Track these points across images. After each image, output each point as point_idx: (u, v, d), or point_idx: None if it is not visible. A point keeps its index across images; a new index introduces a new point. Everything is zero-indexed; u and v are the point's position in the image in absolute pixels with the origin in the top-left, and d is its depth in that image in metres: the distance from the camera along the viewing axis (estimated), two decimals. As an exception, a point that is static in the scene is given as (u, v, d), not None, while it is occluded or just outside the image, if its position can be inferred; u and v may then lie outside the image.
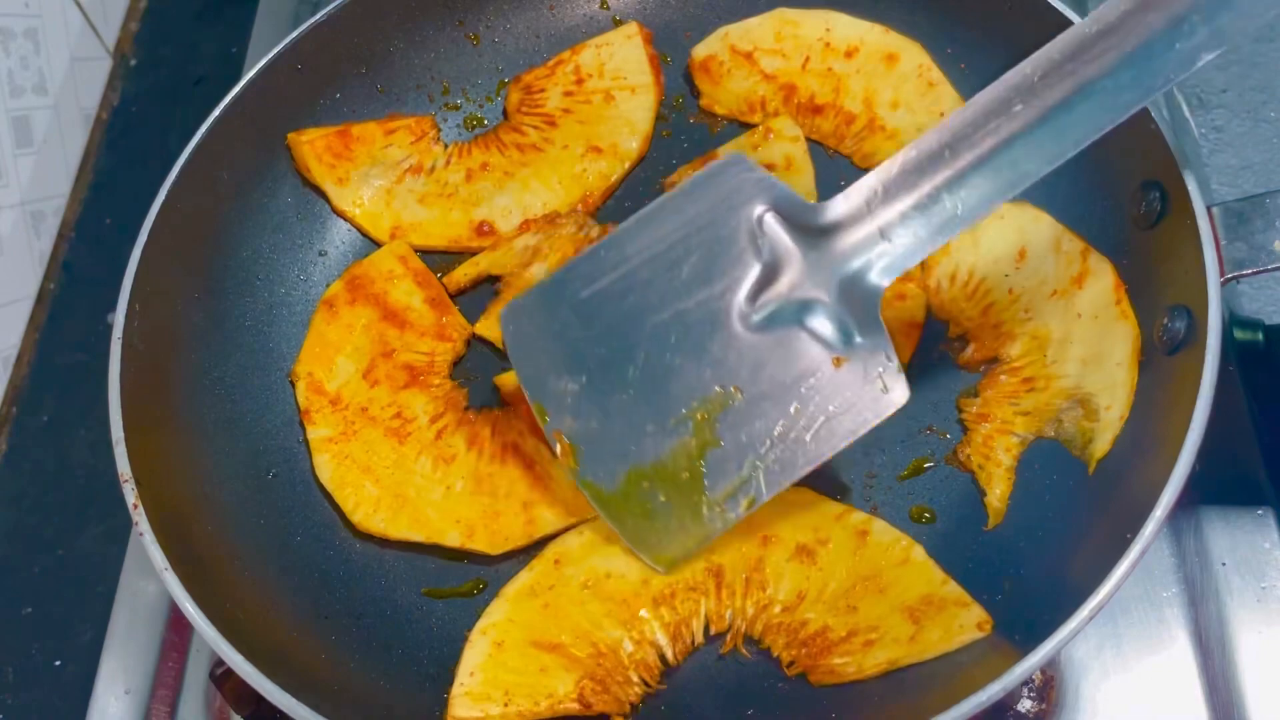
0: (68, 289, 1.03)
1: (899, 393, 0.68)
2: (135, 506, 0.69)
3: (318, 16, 0.87)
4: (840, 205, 0.69)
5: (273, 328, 0.86)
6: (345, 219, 0.90)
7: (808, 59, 0.89)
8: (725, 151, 0.71)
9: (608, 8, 0.97)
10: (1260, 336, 0.85)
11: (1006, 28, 0.85)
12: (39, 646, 0.86)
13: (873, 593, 0.70)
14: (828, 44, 0.89)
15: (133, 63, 1.16)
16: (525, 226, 0.88)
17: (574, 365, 0.72)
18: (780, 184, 0.70)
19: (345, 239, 0.91)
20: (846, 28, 0.89)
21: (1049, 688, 0.73)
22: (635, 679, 0.70)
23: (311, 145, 0.88)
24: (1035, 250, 0.78)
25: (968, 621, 0.67)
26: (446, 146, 0.93)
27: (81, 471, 0.93)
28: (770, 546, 0.72)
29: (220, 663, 0.72)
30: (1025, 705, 0.73)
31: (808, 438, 0.69)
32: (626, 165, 0.90)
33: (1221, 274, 0.68)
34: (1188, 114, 0.97)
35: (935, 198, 0.67)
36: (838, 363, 0.69)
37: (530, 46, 0.97)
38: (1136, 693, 0.72)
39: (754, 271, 0.70)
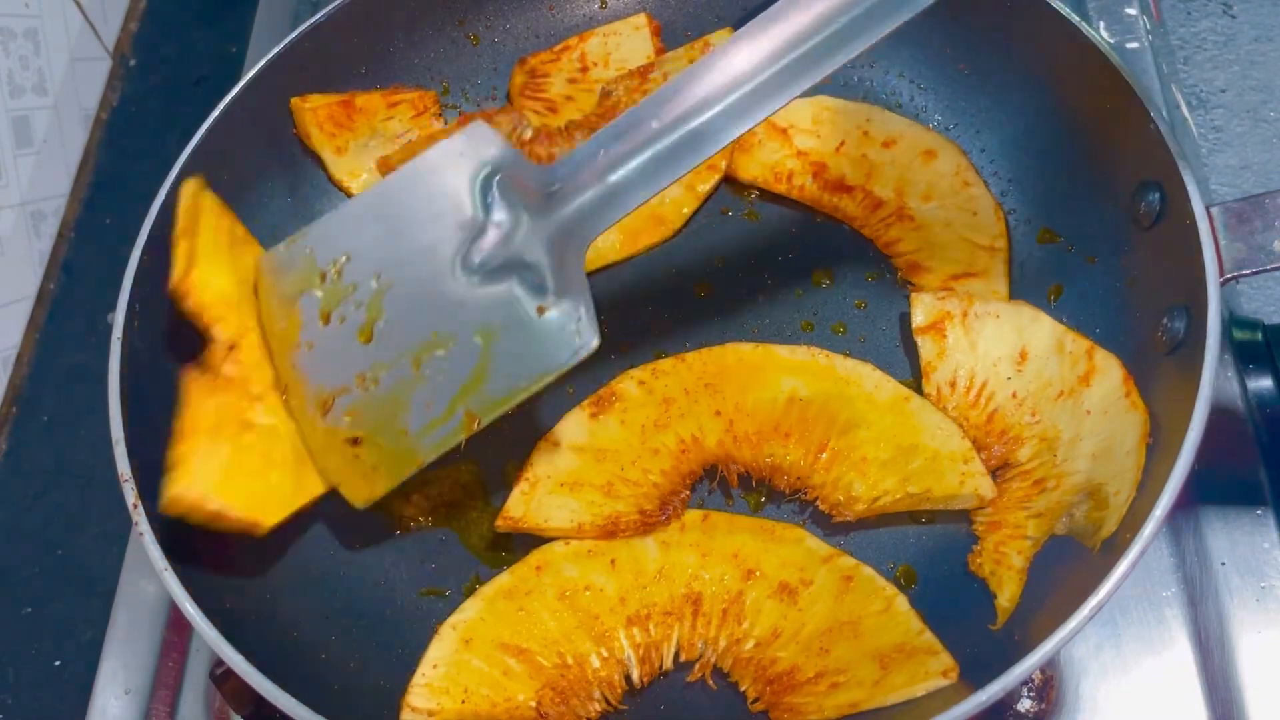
0: (68, 289, 1.02)
1: (590, 339, 0.71)
2: (135, 506, 0.69)
3: (318, 16, 0.87)
4: (560, 169, 0.73)
5: (272, 328, 0.86)
6: (340, 190, 0.90)
7: (843, 143, 0.89)
8: (472, 122, 0.76)
9: (606, 7, 0.97)
10: (1259, 336, 0.85)
11: (1006, 28, 0.85)
12: (39, 646, 0.86)
13: (848, 637, 0.69)
14: (866, 133, 0.89)
15: (133, 63, 1.16)
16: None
17: (311, 312, 0.76)
18: (513, 151, 0.74)
19: (345, 239, 0.91)
20: (887, 121, 0.89)
21: (1049, 687, 0.73)
22: (597, 696, 0.70)
23: (314, 112, 0.88)
24: (1037, 351, 0.77)
25: (934, 668, 0.67)
26: (447, 124, 0.93)
27: (81, 471, 0.93)
28: (753, 581, 0.72)
29: (220, 663, 0.72)
30: (1025, 705, 0.73)
31: (506, 380, 0.72)
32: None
33: (1221, 274, 0.68)
34: (1187, 114, 0.97)
35: (638, 161, 0.71)
36: (540, 311, 0.72)
37: (530, 47, 0.97)
38: (1136, 692, 0.72)
39: (478, 231, 0.74)
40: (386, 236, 0.75)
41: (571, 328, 0.72)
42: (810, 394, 0.77)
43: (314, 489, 0.75)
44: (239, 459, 0.73)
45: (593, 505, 0.75)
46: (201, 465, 0.71)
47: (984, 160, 0.88)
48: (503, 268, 0.73)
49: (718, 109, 0.69)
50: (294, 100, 0.88)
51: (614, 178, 0.72)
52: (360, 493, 0.74)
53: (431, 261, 0.74)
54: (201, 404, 0.74)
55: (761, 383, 0.78)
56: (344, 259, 0.76)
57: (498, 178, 0.74)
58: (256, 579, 0.75)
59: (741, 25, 0.93)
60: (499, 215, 0.74)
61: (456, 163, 0.75)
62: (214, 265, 0.78)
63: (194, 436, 0.72)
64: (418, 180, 0.76)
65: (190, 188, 0.79)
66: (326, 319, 0.76)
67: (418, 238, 0.75)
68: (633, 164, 0.71)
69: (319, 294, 0.76)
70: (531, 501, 0.75)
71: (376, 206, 0.76)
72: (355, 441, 0.74)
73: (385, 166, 0.90)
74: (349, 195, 0.91)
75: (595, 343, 0.71)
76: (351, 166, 0.90)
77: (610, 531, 0.74)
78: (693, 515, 0.75)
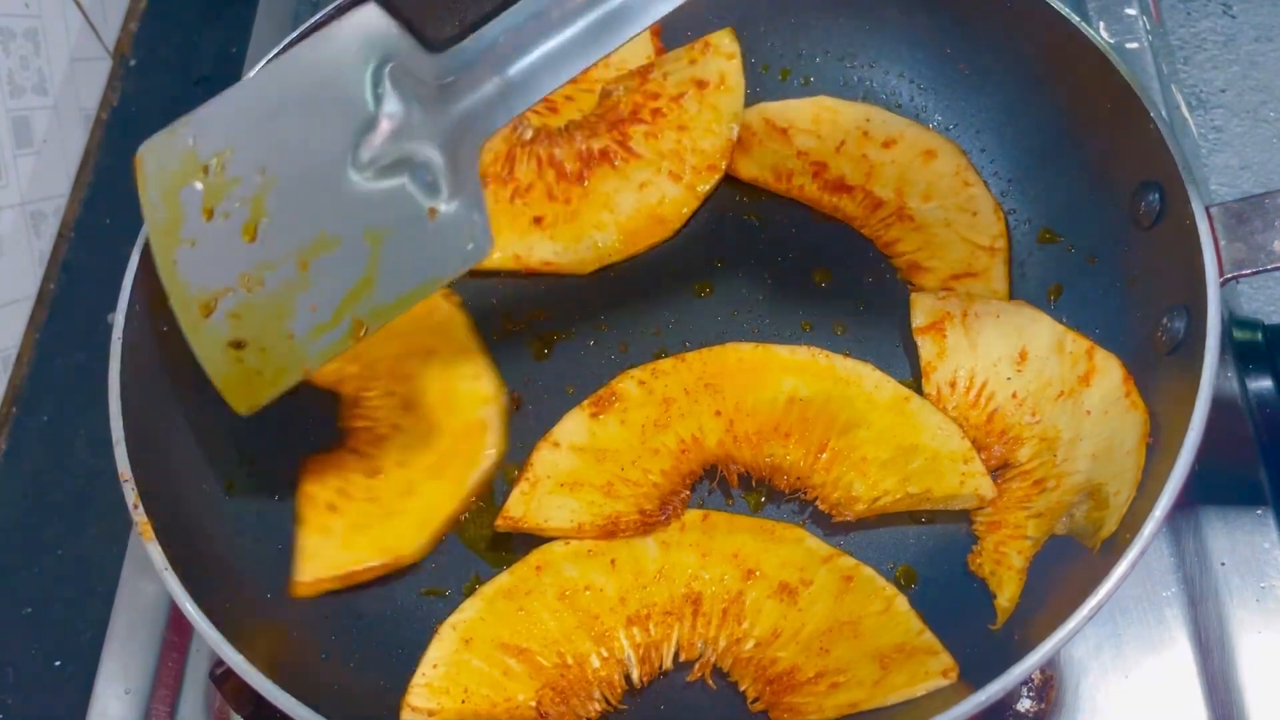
0: (68, 289, 1.02)
1: (483, 244, 0.69)
2: (135, 506, 0.69)
3: (318, 16, 0.87)
4: (453, 59, 0.68)
5: (272, 328, 0.86)
6: None
7: (843, 143, 0.89)
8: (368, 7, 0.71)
9: (607, 7, 0.97)
10: (1259, 336, 0.85)
11: (1006, 28, 0.85)
12: (39, 646, 0.85)
13: (848, 637, 0.69)
14: (866, 133, 0.89)
15: (133, 63, 1.16)
16: None
17: (193, 206, 0.71)
18: (405, 37, 0.69)
19: (345, 239, 0.91)
20: (887, 121, 0.89)
21: (1048, 687, 0.73)
22: (597, 696, 0.70)
23: None
24: (1037, 351, 0.77)
25: (933, 668, 0.67)
26: None
27: (81, 471, 0.93)
28: (753, 581, 0.72)
29: (220, 663, 0.72)
30: (1025, 705, 0.73)
31: (394, 285, 0.70)
32: (625, 159, 0.91)
33: (1220, 274, 0.68)
34: (1187, 114, 0.97)
35: (535, 54, 0.67)
36: (432, 213, 0.69)
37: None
38: (1136, 692, 0.72)
39: (369, 124, 0.69)
40: (271, 128, 0.70)
41: (465, 231, 0.69)
42: (810, 394, 0.77)
43: (448, 503, 0.76)
44: (358, 518, 0.76)
45: (593, 505, 0.75)
46: (321, 546, 0.75)
47: (984, 160, 0.88)
48: (394, 165, 0.69)
49: None
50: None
51: (515, 68, 0.67)
52: (242, 400, 0.72)
53: (318, 156, 0.70)
54: (314, 485, 0.77)
55: (762, 383, 0.78)
56: (227, 151, 0.70)
57: (389, 66, 0.69)
58: (256, 579, 0.75)
59: (742, 25, 0.94)
60: (390, 107, 0.69)
61: (345, 49, 0.69)
62: None
63: (310, 520, 0.76)
64: (304, 67, 0.70)
65: None
66: (210, 215, 0.71)
67: (304, 130, 0.70)
68: (537, 52, 0.67)
69: (200, 187, 0.71)
70: (531, 501, 0.75)
71: (261, 95, 0.71)
72: (239, 345, 0.71)
73: None
74: None
75: (489, 248, 0.69)
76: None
77: (610, 531, 0.74)
78: (693, 515, 0.75)
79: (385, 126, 0.69)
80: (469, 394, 0.80)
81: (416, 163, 0.69)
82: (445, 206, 0.69)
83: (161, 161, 0.72)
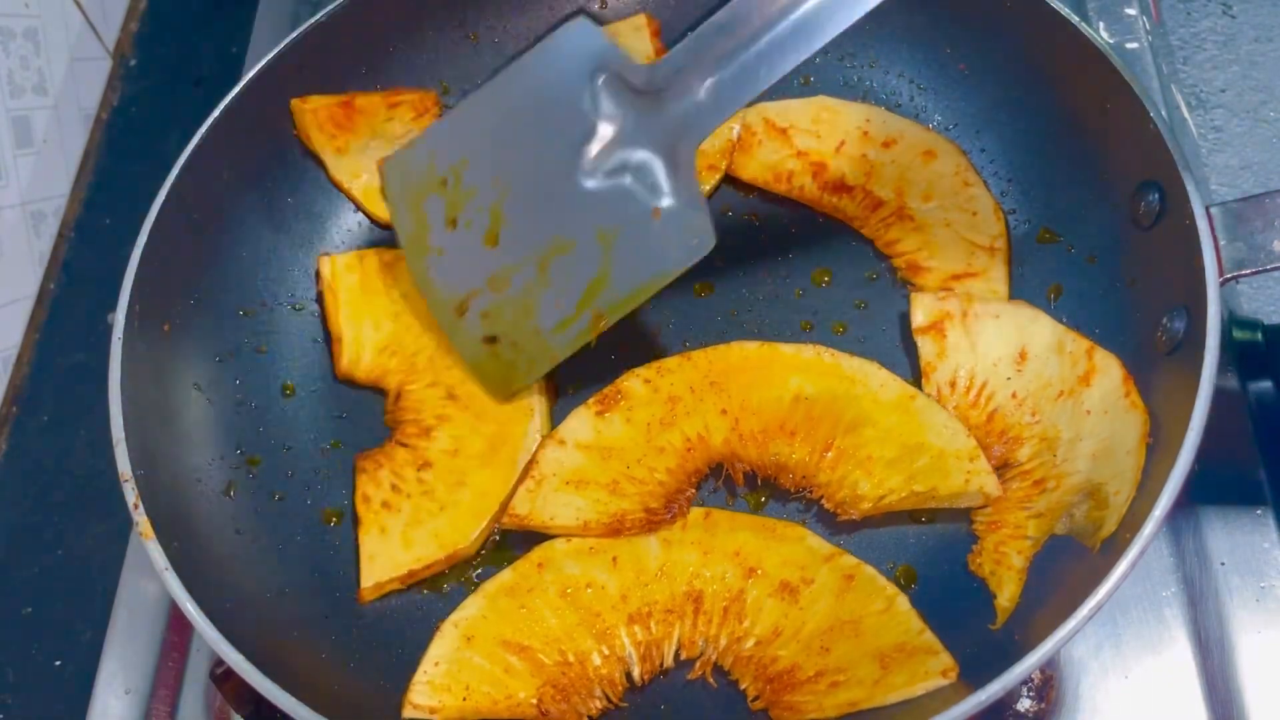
0: (68, 289, 1.02)
1: (706, 239, 0.74)
2: (135, 506, 0.69)
3: (318, 16, 0.87)
4: (664, 66, 0.73)
5: (273, 328, 0.86)
6: (341, 190, 0.90)
7: (843, 143, 0.89)
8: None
9: (606, 7, 0.97)
10: (1259, 336, 0.85)
11: (1006, 28, 0.85)
12: (39, 646, 0.85)
13: (848, 636, 0.69)
14: (866, 133, 0.89)
15: (133, 63, 1.16)
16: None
17: (437, 217, 0.78)
18: (615, 48, 0.75)
19: (345, 239, 0.91)
20: (887, 121, 0.89)
21: (1048, 687, 0.73)
22: (598, 693, 0.70)
23: (314, 113, 0.88)
24: (1036, 351, 0.77)
25: (933, 668, 0.67)
26: None
27: (81, 471, 0.93)
28: (754, 579, 0.72)
29: (220, 663, 0.72)
30: (1024, 704, 0.73)
31: (628, 279, 0.76)
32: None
33: (1220, 274, 0.68)
34: (1187, 114, 0.97)
35: (741, 52, 0.71)
36: (656, 213, 0.74)
37: (530, 47, 0.96)
38: (1136, 692, 0.73)
39: (590, 130, 0.75)
40: (500, 140, 0.77)
41: (688, 228, 0.74)
42: (816, 392, 0.77)
43: (500, 490, 0.77)
44: (414, 514, 0.77)
45: (598, 503, 0.75)
46: (380, 547, 0.76)
47: (984, 160, 0.88)
48: (616, 169, 0.75)
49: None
50: (294, 101, 0.88)
51: (717, 77, 0.72)
52: (499, 389, 0.79)
53: (547, 164, 0.76)
54: (368, 484, 0.78)
55: (767, 381, 0.78)
56: (462, 164, 0.77)
57: (604, 77, 0.74)
58: (256, 579, 0.74)
59: (780, 104, 0.93)
60: (608, 115, 0.75)
61: (559, 62, 0.75)
62: (360, 330, 0.84)
63: (367, 521, 0.77)
64: (525, 81, 0.76)
65: (323, 264, 0.86)
66: (453, 225, 0.78)
67: (530, 141, 0.76)
68: (736, 62, 0.71)
69: (442, 200, 0.78)
70: (537, 499, 0.75)
71: (487, 109, 0.77)
72: (492, 340, 0.78)
73: None
74: (350, 196, 0.90)
75: (711, 243, 0.73)
76: (352, 167, 0.90)
77: (616, 530, 0.74)
78: (694, 513, 0.75)
79: (605, 133, 0.75)
80: None
81: (637, 166, 0.75)
82: (667, 205, 0.75)
83: (404, 176, 0.79)
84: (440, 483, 0.77)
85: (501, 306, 0.78)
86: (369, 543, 0.76)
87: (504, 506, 0.76)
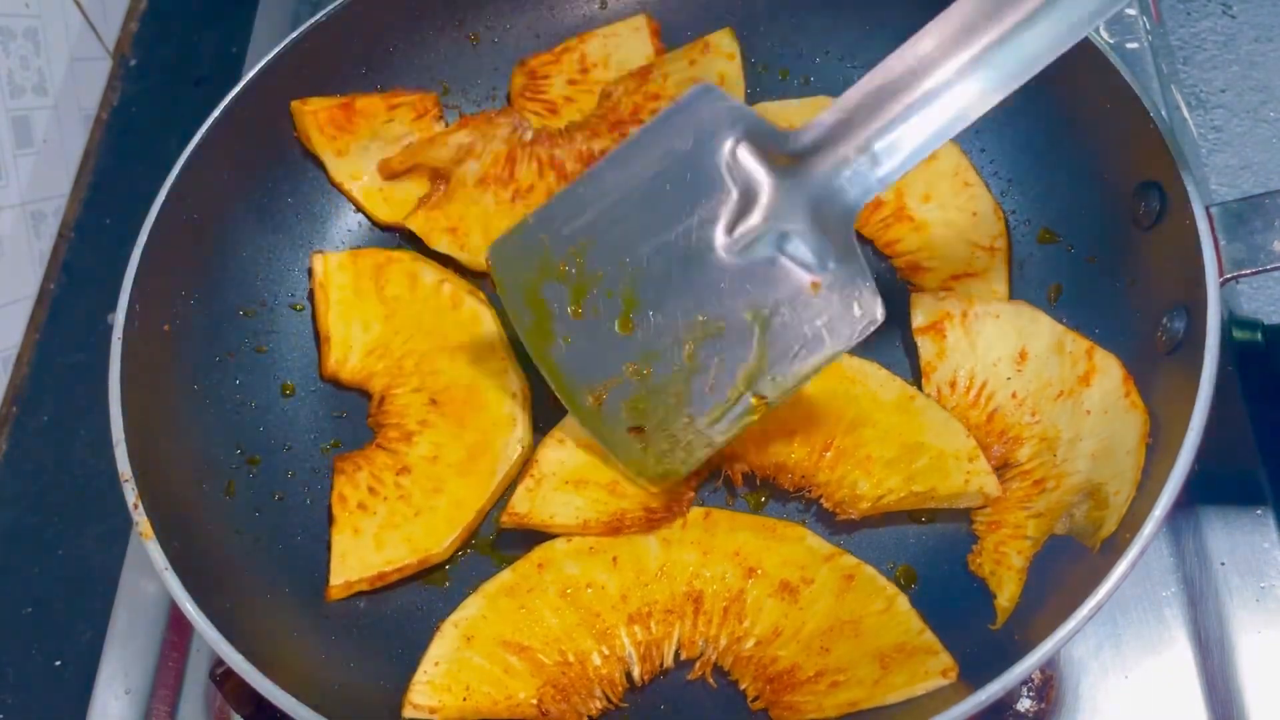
0: (68, 289, 1.03)
1: (875, 311, 0.68)
2: (135, 506, 0.69)
3: (318, 16, 0.87)
4: (811, 132, 0.68)
5: (273, 328, 0.86)
6: (341, 192, 0.90)
7: None
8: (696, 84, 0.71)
9: (606, 7, 0.97)
10: (1259, 336, 0.85)
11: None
12: (39, 646, 0.86)
13: (848, 636, 0.69)
14: None
15: (133, 63, 1.16)
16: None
17: (559, 304, 0.73)
18: (751, 112, 0.70)
19: (345, 239, 0.91)
20: None
21: (1048, 687, 0.73)
22: (598, 693, 0.70)
23: (314, 115, 0.88)
24: (1036, 352, 0.77)
25: (933, 668, 0.67)
26: (447, 126, 0.93)
27: (81, 471, 0.93)
28: (754, 579, 0.72)
29: (220, 663, 0.72)
30: (1024, 704, 0.73)
31: (789, 359, 0.70)
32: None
33: (1220, 274, 0.68)
34: (1186, 114, 0.97)
35: (900, 120, 0.67)
36: (815, 286, 0.69)
37: (530, 47, 0.97)
38: (1136, 692, 0.73)
39: (730, 202, 0.70)
40: (625, 217, 0.71)
41: (851, 299, 0.68)
42: (815, 392, 0.77)
43: (477, 499, 0.77)
44: (388, 518, 0.76)
45: (598, 502, 0.75)
46: (352, 546, 0.75)
47: (984, 160, 0.88)
48: (761, 240, 0.69)
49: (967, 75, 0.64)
50: (294, 103, 0.88)
51: (875, 139, 0.67)
52: (655, 479, 0.74)
53: (681, 240, 0.70)
54: (345, 485, 0.78)
55: None
56: (584, 244, 0.72)
57: (740, 144, 0.69)
58: (256, 579, 0.74)
59: (742, 25, 0.93)
60: (747, 183, 0.69)
61: (689, 130, 0.69)
62: (349, 330, 0.84)
63: (342, 520, 0.76)
64: (650, 154, 0.70)
65: (315, 262, 0.85)
66: (579, 312, 0.72)
67: (660, 215, 0.70)
68: (888, 119, 0.66)
69: (564, 286, 0.72)
70: (537, 498, 0.75)
71: (609, 184, 0.71)
72: (638, 429, 0.73)
73: (386, 169, 0.90)
74: (350, 197, 0.90)
75: (880, 314, 0.68)
76: (352, 169, 0.90)
77: (615, 529, 0.74)
78: (694, 513, 0.75)
79: (745, 203, 0.69)
80: (496, 389, 0.81)
81: (785, 235, 0.69)
82: (825, 277, 0.69)
83: (515, 264, 0.73)
84: (417, 488, 0.77)
85: (645, 394, 0.72)
86: (341, 542, 0.76)
87: (480, 515, 0.77)
